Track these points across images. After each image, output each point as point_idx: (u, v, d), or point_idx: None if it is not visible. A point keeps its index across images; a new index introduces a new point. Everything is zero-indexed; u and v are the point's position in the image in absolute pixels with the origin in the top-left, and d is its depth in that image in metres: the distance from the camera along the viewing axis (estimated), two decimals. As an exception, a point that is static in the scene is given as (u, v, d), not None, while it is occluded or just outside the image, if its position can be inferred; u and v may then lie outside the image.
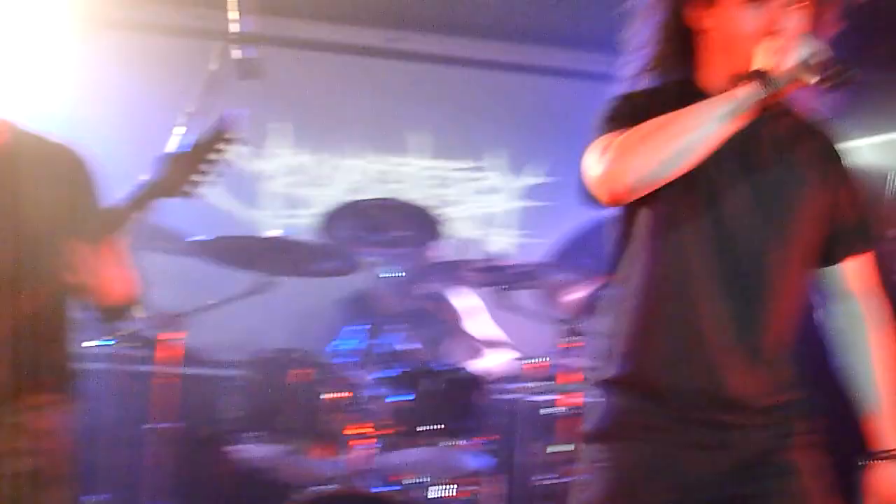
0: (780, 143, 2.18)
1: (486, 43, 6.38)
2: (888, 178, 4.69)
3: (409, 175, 6.28)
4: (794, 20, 2.09)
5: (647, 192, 2.05)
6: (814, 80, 1.97)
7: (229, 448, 4.19)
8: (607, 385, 2.22)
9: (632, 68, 2.29)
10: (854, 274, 2.32)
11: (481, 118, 6.36)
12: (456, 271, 4.69)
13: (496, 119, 6.38)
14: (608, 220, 2.30)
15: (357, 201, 4.61)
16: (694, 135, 1.98)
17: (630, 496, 2.14)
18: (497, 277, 4.54)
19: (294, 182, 6.18)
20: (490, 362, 4.99)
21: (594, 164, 2.09)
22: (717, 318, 2.10)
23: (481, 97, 6.40)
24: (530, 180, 6.46)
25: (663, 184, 2.04)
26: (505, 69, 6.49)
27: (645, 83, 2.25)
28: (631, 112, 2.14)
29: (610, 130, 2.12)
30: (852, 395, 2.28)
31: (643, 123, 2.05)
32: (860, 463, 2.23)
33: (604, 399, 2.23)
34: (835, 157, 2.29)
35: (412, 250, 4.66)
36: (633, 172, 2.01)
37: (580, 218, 6.15)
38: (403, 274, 4.62)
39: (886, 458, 2.19)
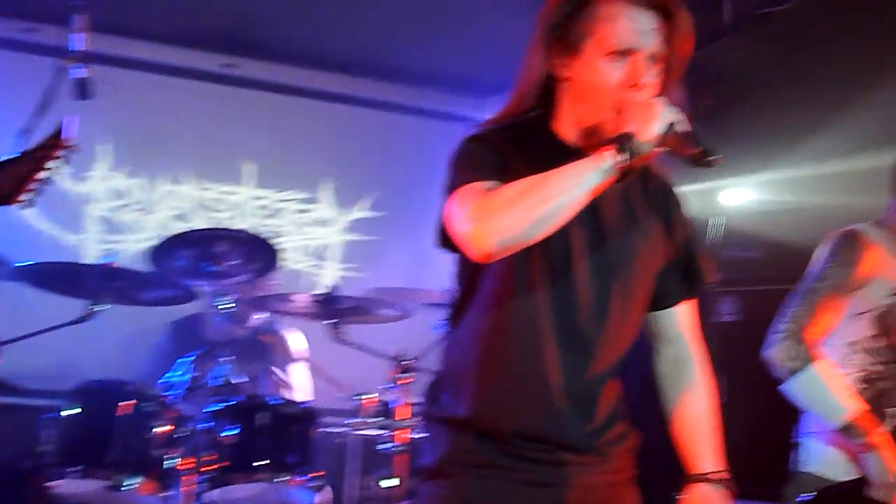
0: (627, 197, 2.27)
1: (321, 74, 6.45)
2: (707, 226, 4.95)
3: (238, 204, 6.25)
4: (652, 77, 2.18)
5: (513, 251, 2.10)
6: (678, 153, 2.05)
7: (48, 483, 4.03)
8: (446, 423, 2.26)
9: (494, 109, 2.33)
10: (682, 318, 2.44)
11: (312, 149, 6.42)
12: (289, 304, 4.68)
13: (327, 151, 6.45)
14: (455, 261, 2.32)
15: (192, 230, 4.58)
16: (561, 199, 2.01)
17: None
18: (330, 311, 4.55)
19: (119, 207, 6.07)
20: (316, 396, 5.07)
21: (461, 220, 2.09)
22: (557, 369, 2.16)
23: (313, 128, 6.46)
24: (358, 214, 6.53)
25: (530, 244, 2.08)
26: (338, 101, 6.56)
27: (503, 125, 2.28)
28: (493, 159, 2.17)
29: (473, 179, 2.13)
30: (672, 427, 2.42)
31: (511, 184, 2.07)
32: (678, 485, 2.35)
33: (441, 436, 2.27)
34: (676, 209, 2.39)
35: (245, 281, 4.63)
36: (502, 234, 2.01)
37: (404, 253, 6.33)
38: (235, 305, 4.59)
39: (702, 479, 2.33)
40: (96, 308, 4.29)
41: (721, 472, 2.33)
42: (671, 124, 2.05)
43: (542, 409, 2.17)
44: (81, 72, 3.43)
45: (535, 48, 2.26)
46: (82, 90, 3.45)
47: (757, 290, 5.00)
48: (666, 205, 2.35)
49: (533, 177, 2.04)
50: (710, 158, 2.04)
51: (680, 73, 2.23)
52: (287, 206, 6.39)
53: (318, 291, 4.78)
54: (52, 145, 2.67)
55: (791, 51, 5.07)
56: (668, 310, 2.41)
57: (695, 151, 2.04)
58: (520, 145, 2.21)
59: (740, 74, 5.21)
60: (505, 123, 2.28)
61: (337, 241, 6.50)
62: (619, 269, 2.23)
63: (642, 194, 2.30)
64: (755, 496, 4.49)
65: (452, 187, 2.15)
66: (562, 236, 2.11)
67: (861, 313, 3.29)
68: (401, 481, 4.45)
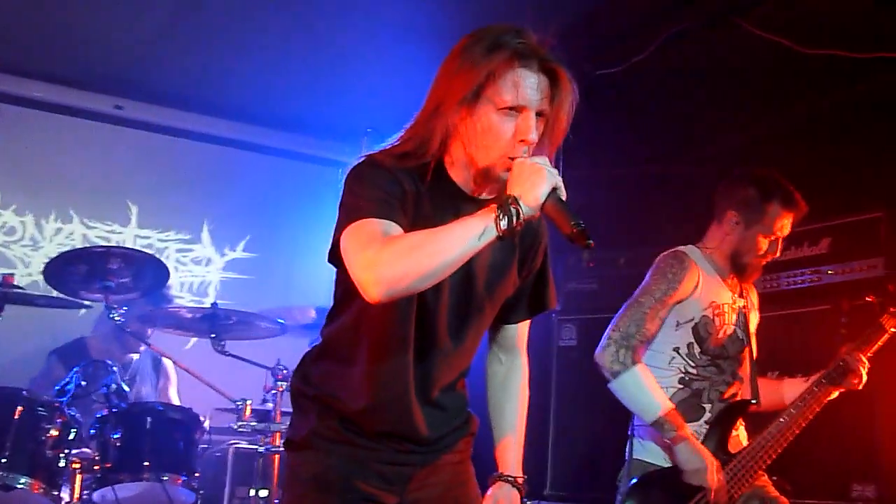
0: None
1: (204, 118, 6.70)
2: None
3: (122, 243, 6.40)
4: (536, 134, 2.35)
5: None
6: (556, 224, 2.21)
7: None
8: (317, 402, 2.55)
9: (389, 144, 2.47)
10: (520, 332, 2.80)
11: (194, 190, 6.65)
12: (174, 318, 4.92)
13: (207, 192, 6.70)
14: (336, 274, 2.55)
15: (88, 247, 4.79)
16: (447, 258, 2.16)
17: (325, 493, 2.50)
18: (212, 325, 4.79)
19: (4, 242, 6.19)
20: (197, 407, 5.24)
21: (356, 265, 2.23)
22: (417, 382, 2.48)
23: (195, 169, 6.69)
24: (234, 255, 6.81)
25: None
26: (220, 143, 6.81)
27: (398, 156, 2.42)
28: (391, 192, 2.34)
29: (371, 214, 2.28)
30: (492, 424, 2.78)
31: (402, 238, 2.23)
32: (489, 478, 2.73)
33: (311, 413, 2.55)
34: (536, 247, 2.63)
35: (134, 295, 4.84)
36: (392, 286, 2.17)
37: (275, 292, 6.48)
38: (122, 319, 4.72)
39: (506, 480, 2.70)
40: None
41: (520, 476, 2.72)
42: (554, 189, 2.21)
43: (402, 416, 2.49)
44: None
45: (434, 99, 2.42)
46: None
47: (592, 318, 5.20)
48: (531, 241, 2.61)
49: (422, 233, 2.23)
50: (585, 240, 2.17)
51: (562, 133, 2.41)
52: (169, 246, 6.59)
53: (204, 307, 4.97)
54: None
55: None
56: (511, 325, 2.75)
57: (573, 231, 2.17)
58: (414, 181, 2.39)
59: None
60: (400, 156, 2.42)
61: (215, 279, 6.73)
62: (479, 301, 2.51)
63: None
64: (584, 500, 4.89)
65: (350, 216, 2.30)
66: None
67: (681, 324, 3.77)
68: (273, 491, 4.63)
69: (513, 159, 2.31)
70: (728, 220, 3.86)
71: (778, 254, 3.87)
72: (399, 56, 5.72)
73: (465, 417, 2.69)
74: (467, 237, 2.17)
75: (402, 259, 2.17)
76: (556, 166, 2.28)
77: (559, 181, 2.23)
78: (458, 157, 2.44)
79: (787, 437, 3.72)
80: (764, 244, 3.81)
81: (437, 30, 5.07)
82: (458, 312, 2.50)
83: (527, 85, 2.33)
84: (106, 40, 5.82)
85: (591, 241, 2.17)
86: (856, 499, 4.31)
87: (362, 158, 2.45)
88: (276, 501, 4.53)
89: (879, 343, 3.84)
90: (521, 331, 2.78)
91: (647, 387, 3.61)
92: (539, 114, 2.36)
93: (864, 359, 3.78)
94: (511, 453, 2.73)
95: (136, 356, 5.40)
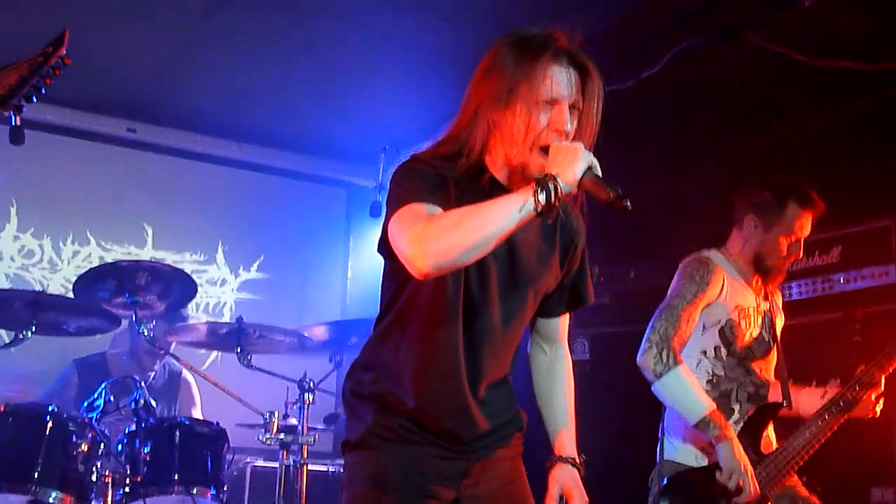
0: (541, 227, 2.58)
1: (217, 140, 6.77)
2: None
3: None
4: (572, 124, 2.44)
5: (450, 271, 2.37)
6: (594, 195, 2.29)
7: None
8: (371, 406, 2.60)
9: (429, 146, 2.58)
10: (561, 325, 2.89)
11: (208, 212, 6.73)
12: (200, 333, 4.92)
13: (221, 214, 6.78)
14: (387, 268, 2.63)
15: (116, 261, 4.83)
16: (490, 231, 2.25)
17: (382, 491, 2.53)
18: (238, 340, 4.81)
19: (23, 265, 6.24)
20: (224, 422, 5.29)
21: (403, 241, 2.32)
22: (464, 371, 2.54)
23: (209, 192, 6.77)
24: (248, 276, 6.86)
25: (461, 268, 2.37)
26: (232, 166, 6.89)
27: (440, 157, 2.52)
28: (433, 182, 2.43)
29: (415, 200, 2.38)
30: (542, 411, 2.86)
31: (447, 214, 2.33)
32: (547, 463, 2.79)
33: (366, 413, 2.60)
34: (577, 242, 2.72)
35: (161, 310, 4.85)
36: (438, 258, 2.25)
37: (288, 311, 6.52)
38: (151, 334, 4.74)
39: (566, 461, 2.77)
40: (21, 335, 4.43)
41: (579, 457, 2.80)
42: (589, 167, 2.30)
43: (456, 410, 2.56)
44: (15, 119, 3.62)
45: (472, 101, 2.53)
46: (15, 136, 3.68)
47: (604, 332, 5.30)
48: (571, 237, 2.69)
49: (466, 208, 2.32)
50: (623, 203, 2.24)
51: (595, 122, 2.50)
52: (184, 267, 6.51)
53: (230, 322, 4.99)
54: (50, 53, 2.55)
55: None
56: (553, 318, 2.84)
57: (610, 195, 2.25)
58: (457, 179, 2.48)
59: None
60: (442, 157, 2.52)
61: (230, 299, 6.79)
62: (523, 294, 2.59)
63: (557, 225, 2.63)
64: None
65: (396, 203, 2.40)
66: (481, 263, 2.43)
67: (707, 327, 3.86)
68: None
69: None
70: (747, 224, 3.95)
71: (801, 255, 3.93)
72: (410, 77, 5.80)
73: (515, 412, 2.75)
74: (509, 211, 2.26)
75: (448, 233, 2.26)
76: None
77: (595, 161, 2.33)
78: (499, 155, 2.53)
79: (821, 439, 3.77)
80: (785, 245, 3.89)
81: (447, 51, 5.17)
82: (505, 305, 2.57)
83: (559, 80, 2.43)
84: (119, 65, 5.89)
85: (628, 203, 2.25)
86: (875, 503, 4.37)
87: (407, 158, 2.54)
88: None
89: None
90: (561, 323, 2.87)
91: (692, 386, 3.66)
92: (572, 107, 2.46)
93: (881, 380, 3.81)
94: (566, 435, 2.81)
95: (152, 374, 5.42)
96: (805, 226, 3.92)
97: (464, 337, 2.52)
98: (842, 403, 3.78)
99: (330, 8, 5.27)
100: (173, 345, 5.17)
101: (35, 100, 2.67)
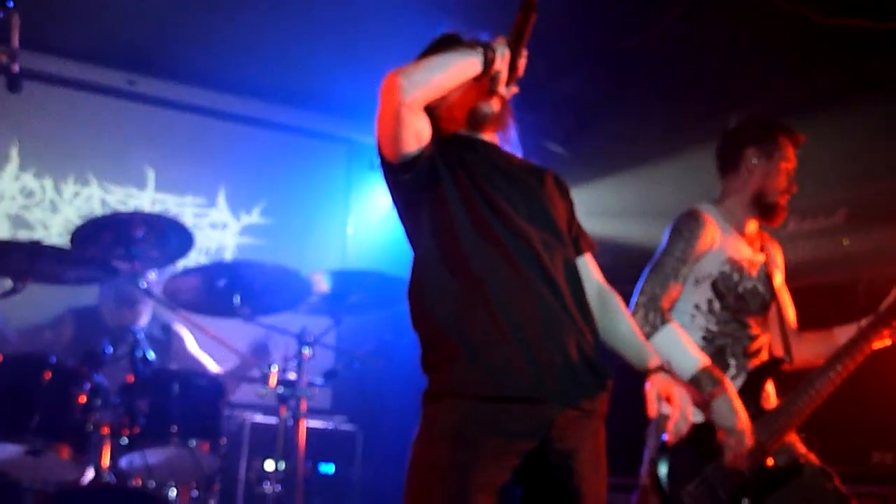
0: (529, 172, 2.90)
1: (215, 94, 6.75)
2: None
3: (139, 206, 6.44)
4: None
5: (419, 107, 2.66)
6: (521, 28, 2.76)
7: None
8: (451, 356, 2.60)
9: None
10: (592, 267, 2.97)
11: (208, 161, 6.73)
12: (199, 284, 4.81)
13: (221, 163, 6.77)
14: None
15: (112, 213, 4.77)
16: (455, 70, 2.72)
17: (461, 442, 2.54)
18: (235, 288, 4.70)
19: (24, 205, 6.24)
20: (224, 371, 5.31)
21: (386, 81, 2.65)
22: (544, 319, 2.64)
23: (209, 143, 6.76)
24: (250, 220, 6.85)
25: (431, 99, 2.71)
26: (234, 120, 6.87)
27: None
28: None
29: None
30: (612, 341, 2.90)
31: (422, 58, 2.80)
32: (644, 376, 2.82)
33: (444, 366, 2.61)
34: (563, 183, 3.01)
35: (159, 262, 4.84)
36: (412, 79, 2.62)
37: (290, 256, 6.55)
38: (147, 285, 4.69)
39: (656, 371, 2.79)
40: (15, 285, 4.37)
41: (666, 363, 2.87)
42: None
43: (541, 360, 2.61)
44: (13, 66, 3.52)
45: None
46: (12, 84, 3.63)
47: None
48: (557, 180, 2.99)
49: (436, 55, 2.78)
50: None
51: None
52: (186, 210, 6.63)
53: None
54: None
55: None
56: (581, 256, 2.93)
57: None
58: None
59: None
60: None
61: (231, 243, 6.78)
62: (555, 228, 2.82)
63: (539, 174, 2.94)
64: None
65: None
66: (499, 204, 2.73)
67: (699, 280, 3.78)
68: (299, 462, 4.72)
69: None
70: (747, 160, 3.90)
71: (794, 189, 3.89)
72: (411, 33, 5.70)
73: (603, 370, 2.77)
74: (468, 59, 2.75)
75: (421, 66, 2.71)
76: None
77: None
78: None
79: (822, 395, 3.68)
80: (785, 175, 3.87)
81: (451, 7, 5.08)
82: (546, 243, 2.74)
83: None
84: (118, 15, 5.81)
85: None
86: (875, 466, 4.37)
87: None
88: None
89: None
90: (589, 263, 2.97)
91: (683, 343, 3.60)
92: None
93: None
94: (647, 351, 2.86)
95: (143, 322, 5.34)
96: (793, 156, 3.90)
97: (533, 284, 2.68)
98: (859, 339, 3.69)
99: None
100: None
101: None
